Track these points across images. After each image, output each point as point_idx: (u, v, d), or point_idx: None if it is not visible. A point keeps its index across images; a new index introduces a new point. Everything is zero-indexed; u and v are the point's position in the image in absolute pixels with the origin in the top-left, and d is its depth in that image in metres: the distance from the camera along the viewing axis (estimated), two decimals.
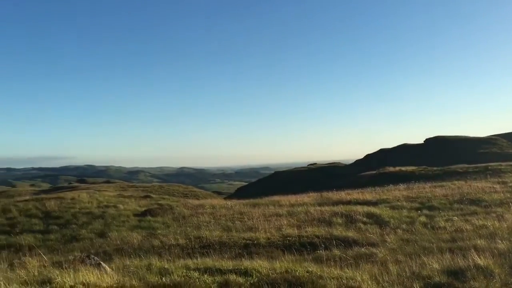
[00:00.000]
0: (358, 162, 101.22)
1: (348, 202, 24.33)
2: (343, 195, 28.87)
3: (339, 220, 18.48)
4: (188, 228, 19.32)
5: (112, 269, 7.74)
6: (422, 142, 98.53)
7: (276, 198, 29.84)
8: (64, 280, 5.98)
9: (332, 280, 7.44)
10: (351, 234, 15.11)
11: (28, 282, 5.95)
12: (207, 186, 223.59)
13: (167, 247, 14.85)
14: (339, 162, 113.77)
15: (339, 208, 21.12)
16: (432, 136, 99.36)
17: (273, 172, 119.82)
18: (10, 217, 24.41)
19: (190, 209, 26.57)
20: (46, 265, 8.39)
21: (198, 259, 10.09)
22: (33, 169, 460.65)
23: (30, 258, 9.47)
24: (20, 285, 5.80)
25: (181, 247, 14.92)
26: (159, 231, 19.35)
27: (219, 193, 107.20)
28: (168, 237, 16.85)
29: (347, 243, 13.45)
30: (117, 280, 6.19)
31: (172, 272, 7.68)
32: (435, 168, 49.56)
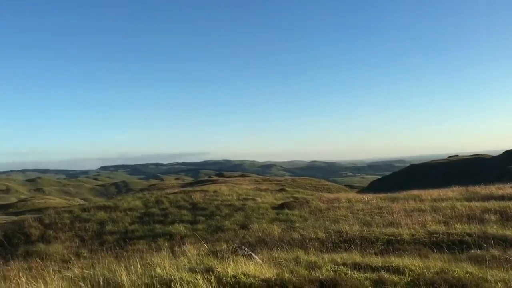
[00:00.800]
0: (508, 153, 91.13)
1: (501, 198, 22.06)
2: (493, 189, 26.31)
3: (493, 217, 16.81)
4: (326, 222, 19.27)
5: (263, 261, 8.01)
6: None
7: (415, 192, 28.39)
8: (226, 269, 6.35)
9: (498, 283, 6.73)
10: (509, 232, 13.61)
11: (195, 270, 6.44)
12: (339, 179, 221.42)
13: (307, 240, 14.94)
14: (484, 154, 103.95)
15: (491, 204, 19.27)
16: None
17: (408, 165, 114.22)
18: (162, 208, 26.86)
19: (325, 202, 26.50)
20: (202, 253, 9.01)
21: (343, 254, 9.96)
22: (177, 164, 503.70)
23: (189, 246, 10.26)
24: (188, 272, 6.30)
25: (321, 241, 14.89)
26: (297, 224, 19.63)
27: (351, 186, 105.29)
28: (307, 230, 16.96)
29: (506, 242, 12.13)
30: (275, 273, 6.36)
31: (321, 266, 7.67)
32: None
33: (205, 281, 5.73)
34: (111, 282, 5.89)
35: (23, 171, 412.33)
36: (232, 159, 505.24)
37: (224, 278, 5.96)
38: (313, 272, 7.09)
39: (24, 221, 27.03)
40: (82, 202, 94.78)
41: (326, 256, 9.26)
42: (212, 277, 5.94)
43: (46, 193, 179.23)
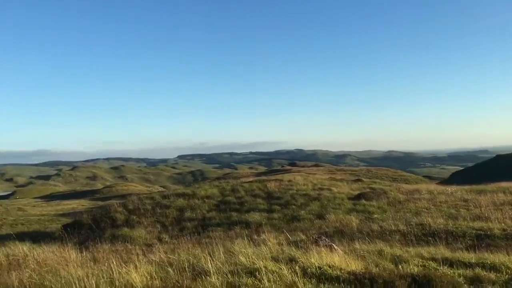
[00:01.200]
0: None
1: None
2: None
3: None
4: (406, 214, 18.54)
5: (344, 252, 7.77)
6: None
7: (503, 184, 26.66)
8: (310, 260, 6.21)
9: None
10: None
11: (278, 259, 6.38)
12: (417, 170, 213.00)
13: (387, 233, 14.43)
14: None
15: None
16: None
17: (494, 155, 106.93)
18: (238, 196, 27.20)
19: (404, 194, 25.51)
20: (282, 243, 8.95)
21: (430, 248, 9.43)
22: (251, 153, 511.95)
23: (268, 235, 10.25)
24: (271, 261, 6.25)
25: (402, 234, 14.30)
26: (375, 215, 19.05)
27: (430, 178, 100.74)
28: (387, 222, 16.38)
29: None
30: (362, 266, 6.12)
31: (407, 261, 7.28)
32: None
33: (289, 271, 5.63)
34: (196, 268, 5.98)
35: (108, 159, 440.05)
36: (305, 148, 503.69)
37: (309, 269, 5.81)
38: (399, 266, 6.74)
39: (110, 206, 28.65)
40: (161, 189, 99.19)
41: (411, 250, 8.81)
42: (297, 267, 5.82)
43: (129, 180, 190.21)
